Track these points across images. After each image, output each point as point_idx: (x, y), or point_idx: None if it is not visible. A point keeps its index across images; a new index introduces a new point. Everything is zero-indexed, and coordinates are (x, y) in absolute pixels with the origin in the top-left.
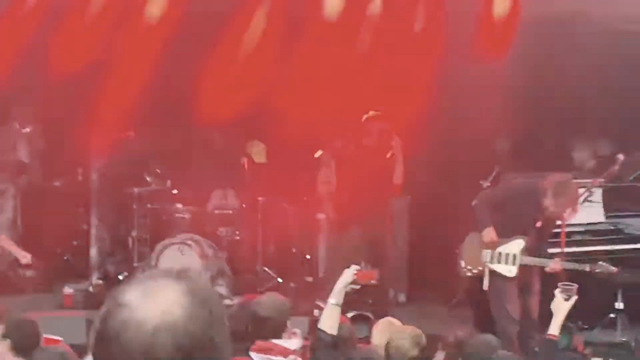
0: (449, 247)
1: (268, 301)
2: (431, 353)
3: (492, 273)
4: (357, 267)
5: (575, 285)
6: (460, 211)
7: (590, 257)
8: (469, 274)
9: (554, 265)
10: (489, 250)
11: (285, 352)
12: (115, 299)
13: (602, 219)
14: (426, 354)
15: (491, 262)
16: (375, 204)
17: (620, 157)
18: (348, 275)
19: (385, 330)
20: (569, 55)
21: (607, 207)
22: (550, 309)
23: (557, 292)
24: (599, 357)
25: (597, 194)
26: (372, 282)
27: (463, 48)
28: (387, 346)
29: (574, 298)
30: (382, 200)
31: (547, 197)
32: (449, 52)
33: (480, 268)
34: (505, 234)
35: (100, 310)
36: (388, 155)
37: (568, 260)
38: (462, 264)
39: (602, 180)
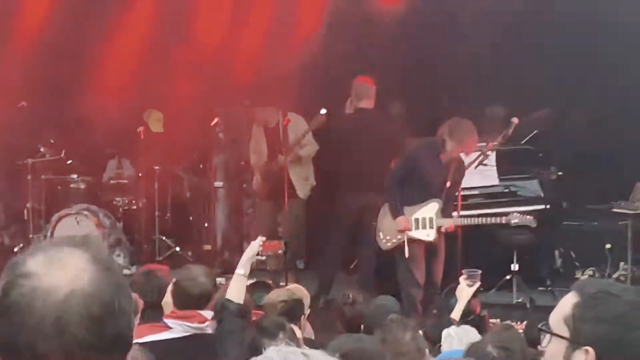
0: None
1: (200, 278)
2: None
3: (411, 240)
4: (263, 238)
5: (479, 272)
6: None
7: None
8: (388, 244)
9: (447, 225)
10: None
11: (203, 319)
12: (16, 269)
13: (496, 182)
14: (296, 309)
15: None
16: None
17: (515, 120)
18: (254, 246)
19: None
20: (469, 17)
21: (501, 170)
22: (445, 273)
23: (461, 278)
24: (496, 318)
25: (491, 157)
26: (279, 252)
27: None
28: (264, 305)
29: (478, 284)
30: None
31: (447, 142)
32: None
33: (400, 237)
34: (420, 200)
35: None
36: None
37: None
38: (381, 235)
39: (496, 143)
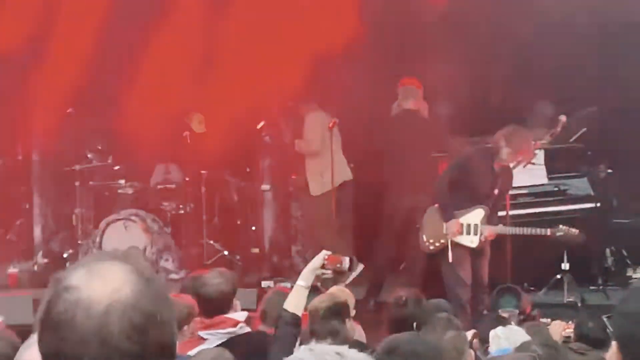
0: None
1: (213, 279)
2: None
3: (454, 244)
4: (328, 252)
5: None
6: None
7: (535, 220)
8: (431, 247)
9: (489, 233)
10: None
11: (234, 322)
12: (60, 282)
13: (544, 180)
14: (339, 312)
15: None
16: None
17: (563, 118)
18: (318, 259)
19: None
20: (514, 16)
21: (550, 169)
22: (495, 273)
23: None
24: (547, 318)
25: (540, 156)
26: (339, 266)
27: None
28: (306, 311)
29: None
30: None
31: (501, 149)
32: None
33: (443, 241)
34: (466, 205)
35: (45, 294)
36: None
37: (513, 223)
38: (424, 238)
39: (544, 142)
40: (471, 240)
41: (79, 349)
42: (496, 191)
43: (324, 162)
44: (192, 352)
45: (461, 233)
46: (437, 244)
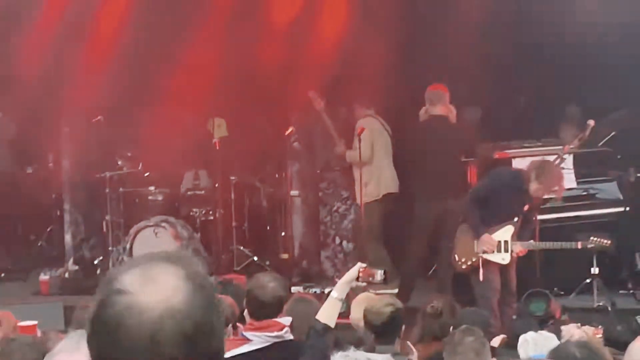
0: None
1: (269, 285)
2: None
3: (485, 262)
4: (363, 265)
5: None
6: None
7: (563, 224)
8: (463, 266)
9: (519, 249)
10: None
11: (281, 326)
12: (111, 285)
13: (573, 185)
14: (400, 319)
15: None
16: None
17: (591, 123)
18: (353, 272)
19: (363, 303)
20: (542, 19)
21: (579, 173)
22: (524, 278)
23: None
24: (576, 322)
25: (569, 160)
26: (372, 279)
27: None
28: (365, 312)
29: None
30: None
31: (531, 182)
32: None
33: (474, 259)
34: (496, 222)
35: (96, 294)
36: None
37: (542, 228)
38: (456, 257)
39: (573, 146)
40: (502, 258)
41: (128, 354)
42: (526, 207)
43: (371, 172)
44: (236, 352)
45: (494, 250)
46: (469, 263)
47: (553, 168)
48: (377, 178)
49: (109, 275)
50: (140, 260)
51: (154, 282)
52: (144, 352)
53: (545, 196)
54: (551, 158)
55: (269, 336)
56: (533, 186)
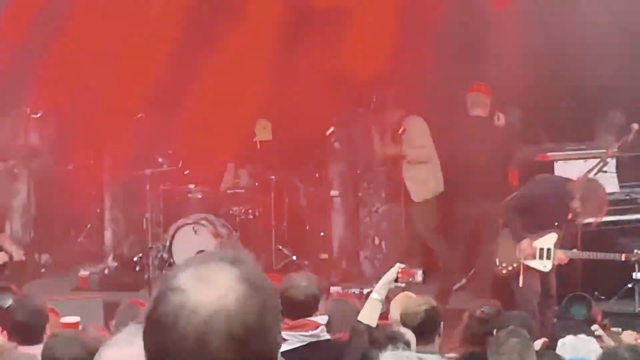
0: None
1: (301, 282)
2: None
3: (526, 268)
4: (402, 265)
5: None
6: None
7: (605, 228)
8: (504, 271)
9: (561, 258)
10: None
11: (316, 325)
12: (168, 282)
13: (616, 188)
14: (437, 318)
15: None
16: None
17: (635, 126)
18: (392, 272)
19: (402, 303)
20: (585, 22)
21: (621, 177)
22: (565, 281)
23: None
24: (617, 327)
25: (611, 164)
26: (412, 279)
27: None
28: (401, 315)
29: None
30: None
31: (575, 199)
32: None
33: (515, 265)
34: (538, 229)
35: (154, 290)
36: None
37: (583, 232)
38: (497, 262)
39: (616, 150)
40: (544, 265)
41: (178, 353)
42: (570, 215)
43: (430, 169)
44: None
45: (534, 257)
46: (510, 268)
47: (600, 195)
48: (435, 175)
49: (168, 272)
50: (198, 258)
51: (208, 282)
52: (192, 352)
53: (583, 220)
54: (593, 162)
55: (304, 335)
56: (575, 204)
